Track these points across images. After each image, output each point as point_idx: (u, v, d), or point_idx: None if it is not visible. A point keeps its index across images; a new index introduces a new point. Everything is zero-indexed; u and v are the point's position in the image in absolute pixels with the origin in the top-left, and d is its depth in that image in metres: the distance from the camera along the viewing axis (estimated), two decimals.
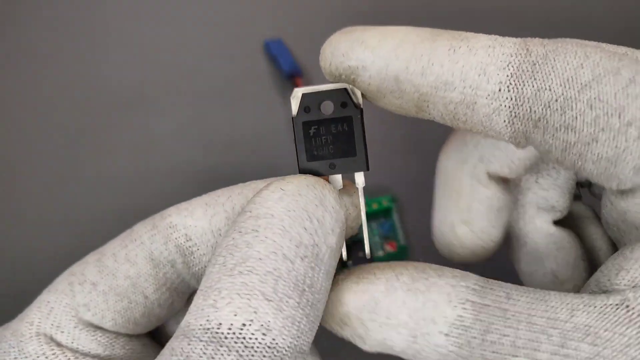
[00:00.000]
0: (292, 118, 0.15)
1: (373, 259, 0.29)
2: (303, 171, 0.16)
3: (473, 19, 0.31)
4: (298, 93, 0.15)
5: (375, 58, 0.15)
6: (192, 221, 0.17)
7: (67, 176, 0.30)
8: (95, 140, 0.30)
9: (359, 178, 0.16)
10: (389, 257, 0.29)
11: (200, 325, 0.13)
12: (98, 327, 0.17)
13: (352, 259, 0.28)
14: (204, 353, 0.12)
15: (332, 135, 0.15)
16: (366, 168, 0.16)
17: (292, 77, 0.29)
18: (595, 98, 0.14)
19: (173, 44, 0.31)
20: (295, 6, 0.31)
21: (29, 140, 0.30)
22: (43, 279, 0.29)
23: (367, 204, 0.29)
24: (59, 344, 0.16)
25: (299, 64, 0.31)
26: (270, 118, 0.30)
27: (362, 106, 0.15)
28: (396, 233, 0.29)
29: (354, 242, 0.28)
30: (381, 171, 0.30)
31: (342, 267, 0.29)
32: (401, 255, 0.29)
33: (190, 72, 0.31)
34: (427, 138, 0.30)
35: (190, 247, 0.17)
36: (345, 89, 0.15)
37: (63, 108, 0.31)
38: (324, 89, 0.15)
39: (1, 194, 0.30)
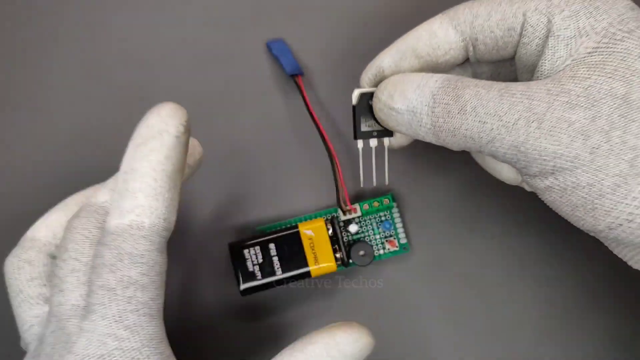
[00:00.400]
0: (354, 106, 0.24)
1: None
2: (362, 134, 0.25)
3: None
4: (356, 92, 0.24)
5: (383, 54, 0.24)
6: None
7: (68, 175, 0.30)
8: (98, 140, 0.31)
9: (389, 140, 0.26)
10: (390, 256, 0.29)
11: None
12: None
13: (353, 258, 0.28)
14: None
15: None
16: (392, 135, 0.25)
17: (294, 76, 0.29)
18: None
19: (174, 45, 0.31)
20: (297, 6, 0.31)
21: (31, 139, 0.31)
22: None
23: (368, 203, 0.29)
24: None
25: (301, 63, 0.31)
26: (272, 117, 0.31)
27: None
28: (397, 231, 0.29)
29: (354, 242, 0.29)
30: (382, 171, 0.30)
31: (343, 266, 0.29)
32: (401, 253, 0.29)
33: (192, 73, 0.31)
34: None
35: None
36: None
37: (64, 107, 0.31)
38: (372, 90, 0.24)
39: (3, 192, 0.30)
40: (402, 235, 0.29)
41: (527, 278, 0.29)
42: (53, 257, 0.22)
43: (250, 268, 0.27)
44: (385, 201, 0.29)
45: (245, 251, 0.27)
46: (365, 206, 0.29)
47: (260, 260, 0.27)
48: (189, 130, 0.20)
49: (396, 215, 0.30)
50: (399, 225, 0.29)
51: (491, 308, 0.29)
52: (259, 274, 0.27)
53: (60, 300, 0.19)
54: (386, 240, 0.29)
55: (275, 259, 0.27)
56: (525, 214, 0.30)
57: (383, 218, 0.29)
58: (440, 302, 0.29)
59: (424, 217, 0.30)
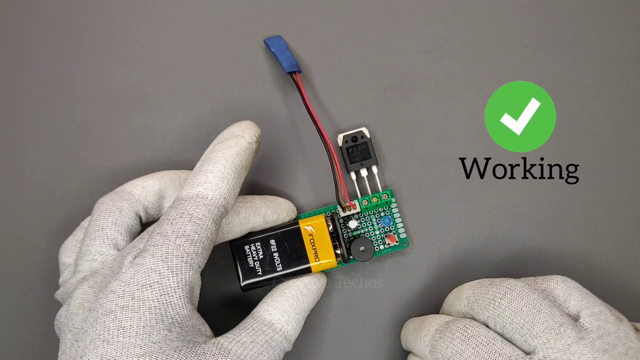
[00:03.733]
0: (340, 147, 0.30)
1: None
2: (352, 167, 0.30)
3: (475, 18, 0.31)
4: (341, 135, 0.30)
5: None
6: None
7: (69, 174, 0.30)
8: (98, 139, 0.31)
9: (374, 169, 0.30)
10: (391, 251, 0.29)
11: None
12: None
13: (353, 254, 0.28)
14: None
15: (360, 150, 0.30)
16: (377, 163, 0.30)
17: (292, 73, 0.29)
18: None
19: (173, 44, 0.31)
20: (295, 2, 0.31)
21: (33, 138, 0.31)
22: (44, 274, 0.30)
23: (367, 199, 0.29)
24: None
25: (299, 60, 0.31)
26: (271, 115, 0.31)
27: (369, 137, 0.30)
28: (396, 227, 0.29)
29: (354, 237, 0.29)
30: (382, 166, 0.30)
31: (344, 262, 0.29)
32: (401, 248, 0.29)
33: (191, 71, 0.31)
34: (425, 138, 0.30)
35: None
36: (362, 130, 0.30)
37: (65, 107, 0.31)
38: (353, 132, 0.30)
39: (4, 190, 0.30)
40: (401, 230, 0.29)
41: (527, 273, 0.29)
42: (138, 215, 0.25)
43: (251, 264, 0.27)
44: (384, 196, 0.29)
45: (246, 247, 0.27)
46: (365, 202, 0.29)
47: (261, 256, 0.27)
48: (259, 142, 0.25)
49: (395, 210, 0.30)
50: (399, 220, 0.29)
51: None
52: (259, 269, 0.27)
53: (133, 244, 0.23)
54: (386, 236, 0.29)
55: (276, 255, 0.27)
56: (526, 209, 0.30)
57: (382, 213, 0.29)
58: (441, 298, 0.29)
59: (423, 211, 0.30)
